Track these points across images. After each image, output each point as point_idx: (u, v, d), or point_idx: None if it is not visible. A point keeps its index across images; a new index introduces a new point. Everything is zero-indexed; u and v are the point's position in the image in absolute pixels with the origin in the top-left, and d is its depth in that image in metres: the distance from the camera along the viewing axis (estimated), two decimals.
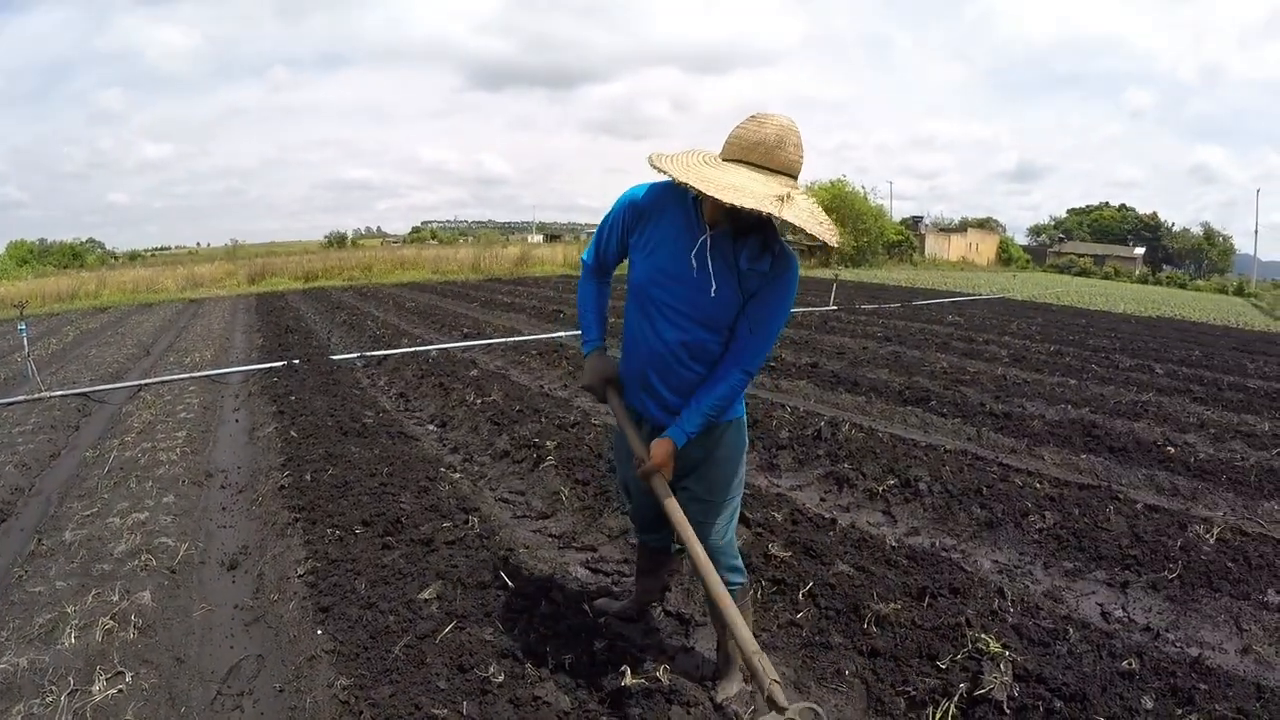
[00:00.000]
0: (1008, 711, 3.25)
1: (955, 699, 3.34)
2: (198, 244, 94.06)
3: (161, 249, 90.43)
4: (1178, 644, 3.99)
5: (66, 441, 8.02)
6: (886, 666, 3.66)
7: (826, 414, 8.34)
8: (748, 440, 3.45)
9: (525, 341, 13.25)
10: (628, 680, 3.34)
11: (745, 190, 2.57)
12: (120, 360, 13.27)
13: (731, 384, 3.06)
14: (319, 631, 3.93)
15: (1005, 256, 70.36)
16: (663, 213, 3.03)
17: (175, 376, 11.11)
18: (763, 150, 2.67)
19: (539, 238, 68.01)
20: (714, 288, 2.90)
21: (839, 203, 48.82)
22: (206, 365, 12.15)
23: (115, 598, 4.30)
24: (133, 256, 67.05)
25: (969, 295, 27.34)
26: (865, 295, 24.76)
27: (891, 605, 4.02)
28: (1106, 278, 56.39)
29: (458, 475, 6.40)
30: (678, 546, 3.88)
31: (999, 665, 3.45)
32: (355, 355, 12.24)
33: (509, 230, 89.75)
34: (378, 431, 7.49)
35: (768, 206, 2.53)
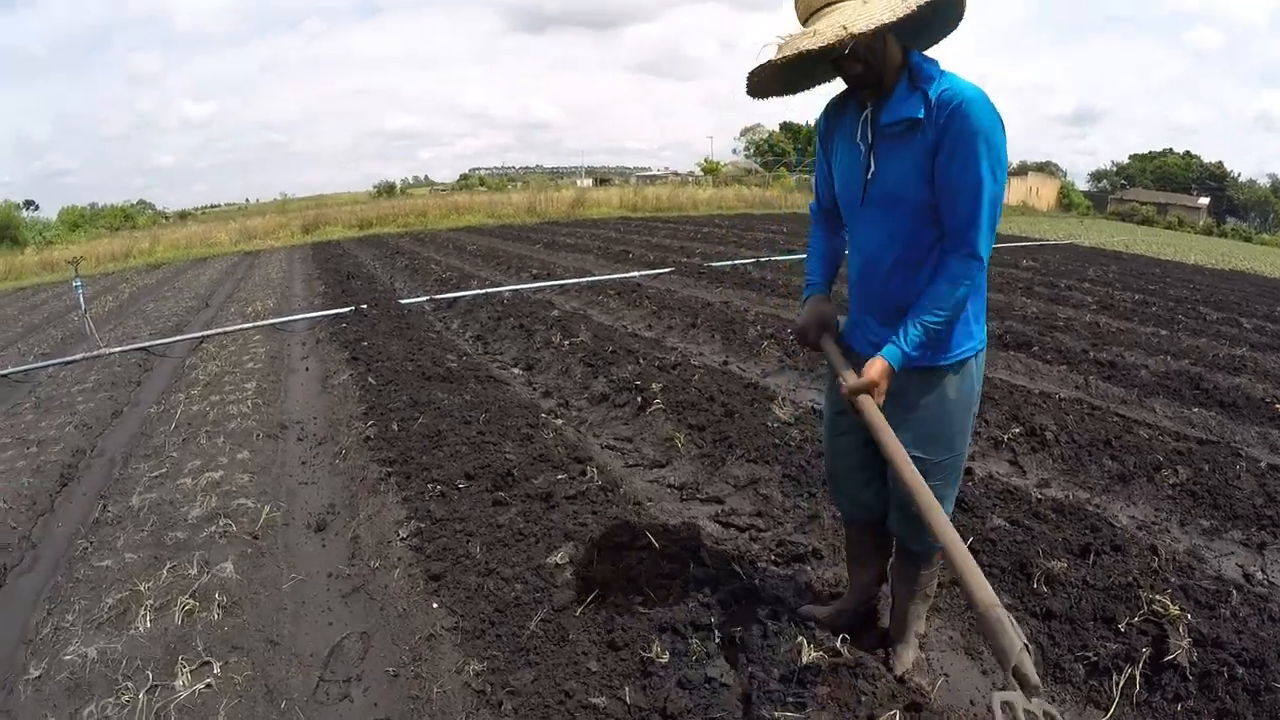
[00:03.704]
0: (1190, 678, 2.97)
1: (1140, 665, 3.03)
2: (246, 200, 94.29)
3: (211, 206, 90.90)
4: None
5: (129, 398, 7.54)
6: (1062, 630, 3.32)
7: None
8: (981, 385, 2.84)
9: (600, 282, 12.68)
10: (808, 656, 2.86)
11: (797, 40, 2.32)
12: (179, 313, 12.86)
13: (951, 276, 2.47)
14: (434, 605, 3.38)
15: (1066, 202, 70.02)
16: (841, 118, 2.70)
17: (238, 326, 10.65)
18: None
19: (588, 182, 67.09)
20: (871, 169, 2.54)
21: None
22: (269, 314, 11.70)
23: (193, 570, 3.76)
24: (183, 215, 67.12)
25: (1037, 240, 26.81)
26: None
27: (1057, 563, 3.64)
28: (1169, 227, 55.46)
29: (559, 422, 5.84)
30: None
31: (1179, 629, 3.14)
32: (424, 299, 11.74)
33: (557, 175, 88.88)
34: (464, 376, 6.93)
35: (808, 41, 2.25)
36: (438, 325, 10.02)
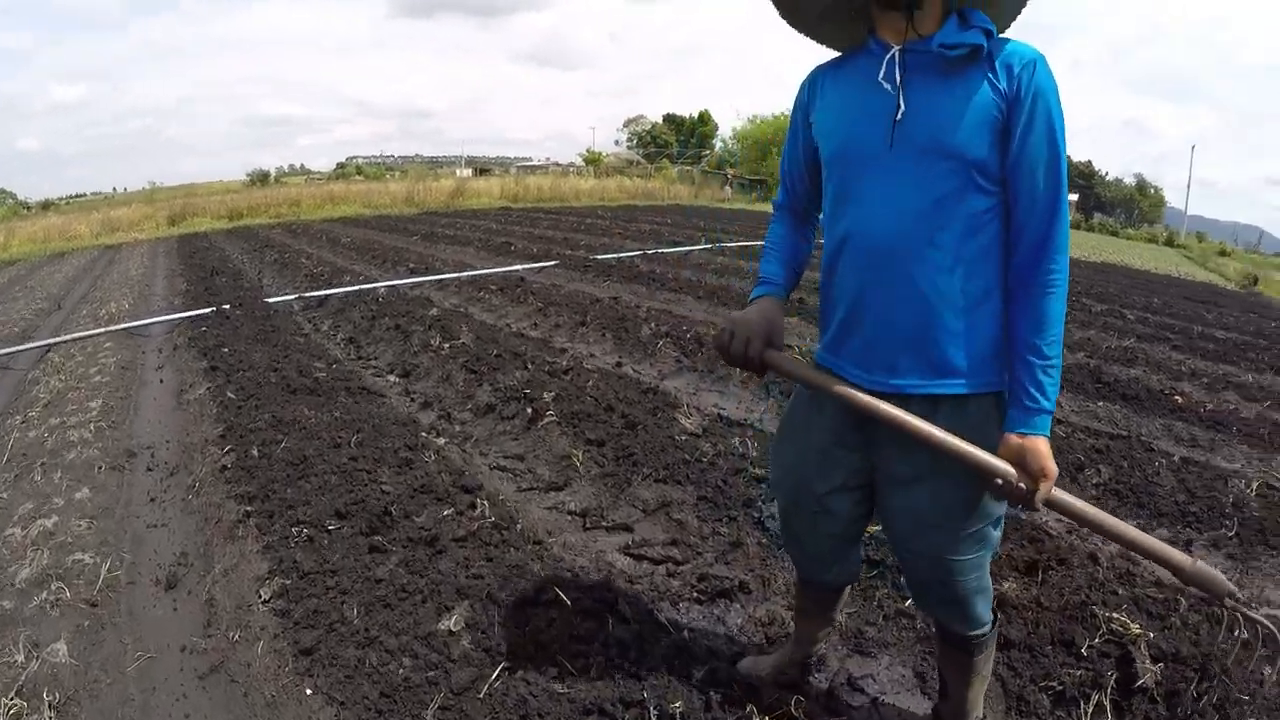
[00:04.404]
0: (1158, 699, 2.87)
1: (1107, 690, 2.89)
2: (114, 188, 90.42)
3: (77, 196, 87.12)
4: (1255, 604, 3.68)
5: None
6: (1022, 658, 3.09)
7: None
8: None
9: (481, 276, 12.16)
10: None
11: None
12: (28, 317, 11.83)
13: (1046, 283, 2.00)
14: (307, 690, 2.85)
15: None
16: (843, 70, 2.19)
17: (88, 332, 9.75)
18: None
19: (468, 172, 66.15)
20: (902, 108, 2.00)
21: (781, 136, 50.27)
22: (124, 317, 10.79)
23: (19, 656, 3.13)
24: (45, 205, 63.96)
25: None
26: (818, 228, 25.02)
27: (1008, 584, 3.47)
28: None
29: (442, 441, 5.31)
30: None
31: (1140, 647, 3.04)
32: (293, 297, 11.02)
33: (437, 165, 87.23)
34: (333, 387, 6.33)
35: None
36: (306, 327, 9.35)
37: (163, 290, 13.50)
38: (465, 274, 12.39)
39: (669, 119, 78.04)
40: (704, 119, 75.73)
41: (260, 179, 69.14)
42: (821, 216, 2.32)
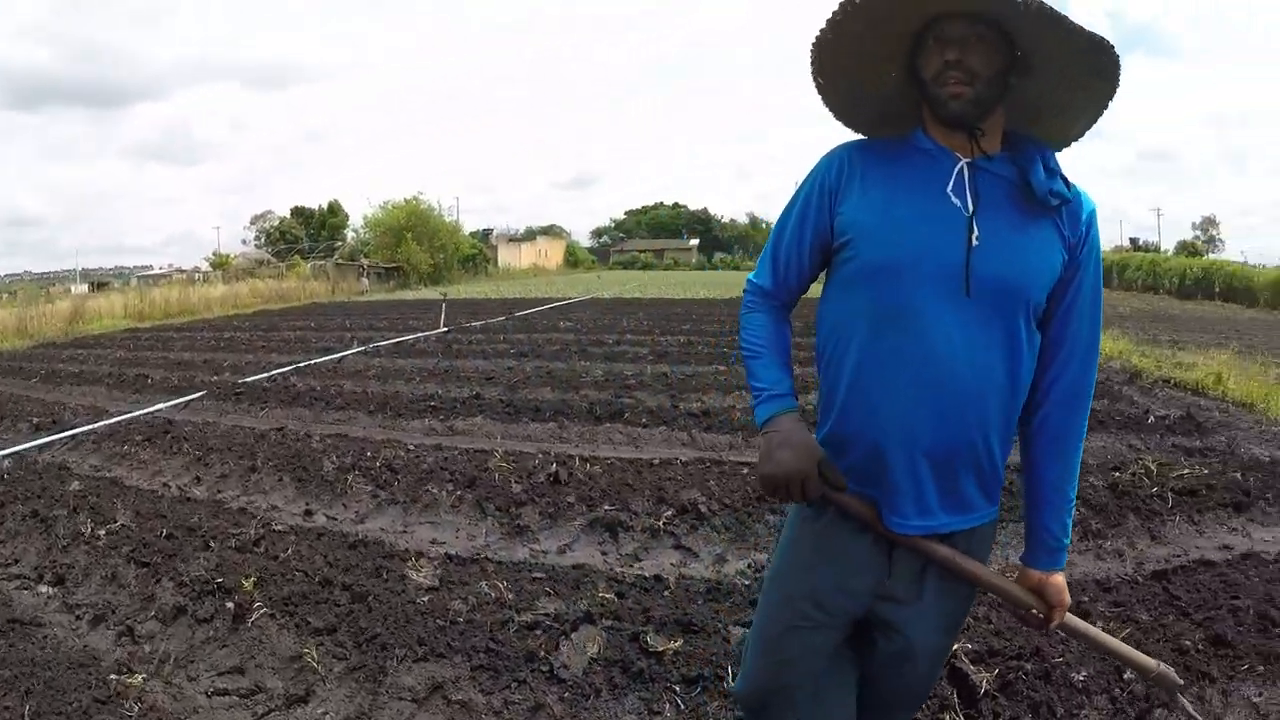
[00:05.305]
0: (998, 694, 3.23)
1: (956, 708, 3.21)
2: None
3: None
4: None
5: None
6: None
7: (533, 450, 7.56)
8: None
9: (121, 423, 10.52)
10: None
11: None
12: None
13: (1078, 429, 2.08)
14: None
15: (572, 259, 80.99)
16: (880, 163, 2.07)
17: None
18: None
19: (84, 288, 61.40)
20: (976, 238, 1.92)
21: (416, 221, 53.17)
22: None
23: None
24: None
25: (565, 300, 31.38)
26: (464, 312, 25.61)
27: None
28: (668, 268, 66.53)
29: (138, 677, 4.16)
30: None
31: (961, 657, 3.39)
32: None
33: (49, 282, 79.88)
34: None
35: None
36: None
37: None
38: (101, 424, 10.63)
39: (297, 212, 77.50)
40: (334, 209, 75.76)
41: None
42: (824, 317, 2.17)
